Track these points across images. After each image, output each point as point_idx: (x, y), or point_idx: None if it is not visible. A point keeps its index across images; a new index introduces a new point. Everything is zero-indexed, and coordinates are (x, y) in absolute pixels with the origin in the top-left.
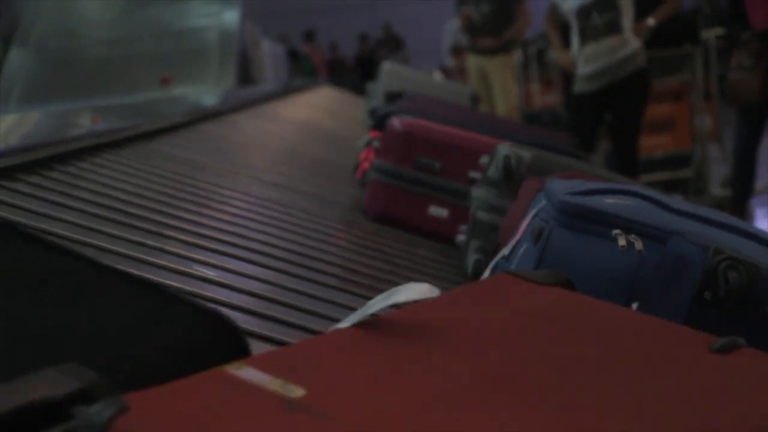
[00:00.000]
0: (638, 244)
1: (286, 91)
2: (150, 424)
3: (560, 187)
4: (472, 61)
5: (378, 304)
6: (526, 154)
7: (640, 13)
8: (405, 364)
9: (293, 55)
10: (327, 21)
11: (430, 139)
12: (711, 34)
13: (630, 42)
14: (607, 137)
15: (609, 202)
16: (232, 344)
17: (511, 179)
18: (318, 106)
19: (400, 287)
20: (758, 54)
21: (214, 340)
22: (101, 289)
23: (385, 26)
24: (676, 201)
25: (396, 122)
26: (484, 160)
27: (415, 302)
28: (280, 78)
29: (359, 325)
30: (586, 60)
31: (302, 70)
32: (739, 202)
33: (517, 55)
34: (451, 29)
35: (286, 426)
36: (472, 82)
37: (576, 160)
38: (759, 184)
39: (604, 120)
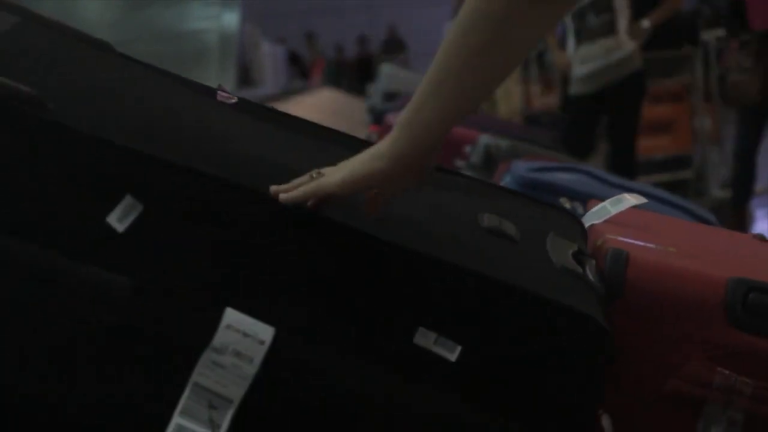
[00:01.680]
0: (580, 210)
1: (287, 93)
2: (647, 264)
3: (522, 166)
4: None
5: (616, 207)
6: (504, 142)
7: (639, 15)
8: (682, 229)
9: (294, 58)
10: (327, 22)
11: None
12: (711, 36)
13: (625, 44)
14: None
15: (559, 176)
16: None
17: (490, 164)
18: (319, 107)
19: (618, 197)
20: (758, 55)
21: (580, 232)
22: (498, 197)
23: (390, 29)
24: (615, 177)
25: (392, 118)
26: (468, 148)
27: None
28: (280, 80)
29: (609, 221)
30: (582, 61)
31: None
32: (739, 203)
33: None
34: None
35: (707, 263)
36: None
37: (549, 150)
38: (759, 185)
39: (601, 121)
